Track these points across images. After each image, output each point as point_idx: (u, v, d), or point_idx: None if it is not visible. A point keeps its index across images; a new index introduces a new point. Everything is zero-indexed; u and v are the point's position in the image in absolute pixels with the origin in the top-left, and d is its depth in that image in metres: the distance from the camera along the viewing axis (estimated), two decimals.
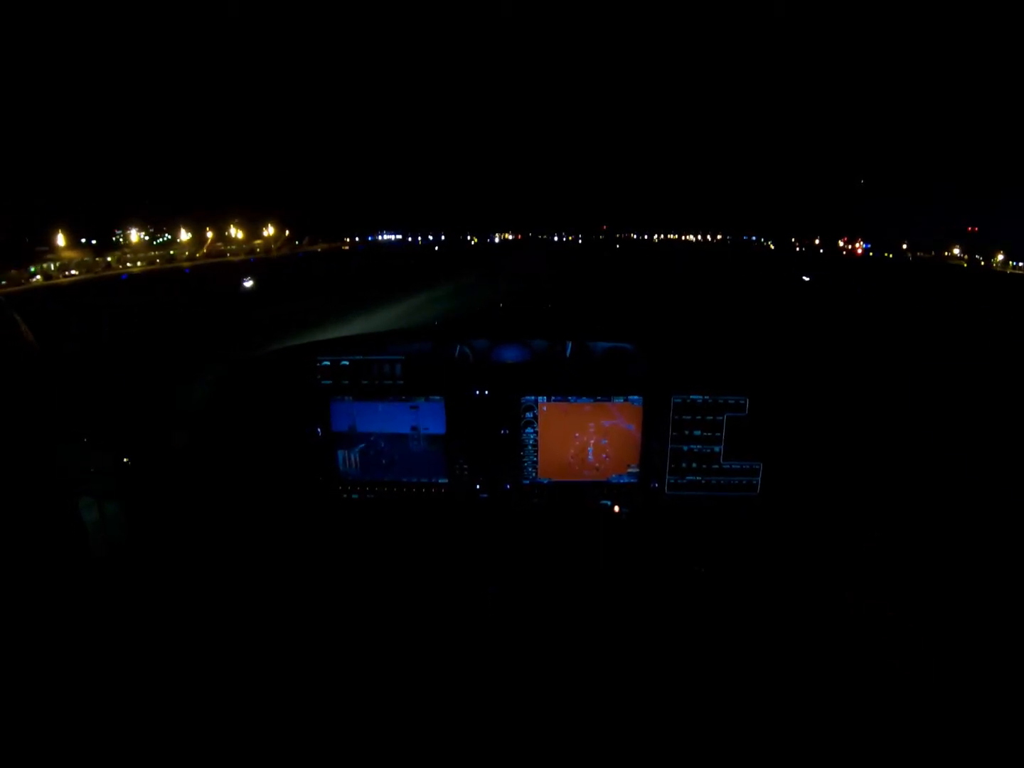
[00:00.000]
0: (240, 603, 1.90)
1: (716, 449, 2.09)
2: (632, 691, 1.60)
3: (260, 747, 1.49)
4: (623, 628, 1.80)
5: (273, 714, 1.55)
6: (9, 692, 1.32)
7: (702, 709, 1.55)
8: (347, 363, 2.13)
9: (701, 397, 2.06)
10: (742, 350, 2.13)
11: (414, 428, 2.14)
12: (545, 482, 2.17)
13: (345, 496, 2.20)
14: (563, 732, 1.51)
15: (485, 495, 2.18)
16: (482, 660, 1.70)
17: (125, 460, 1.99)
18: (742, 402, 2.05)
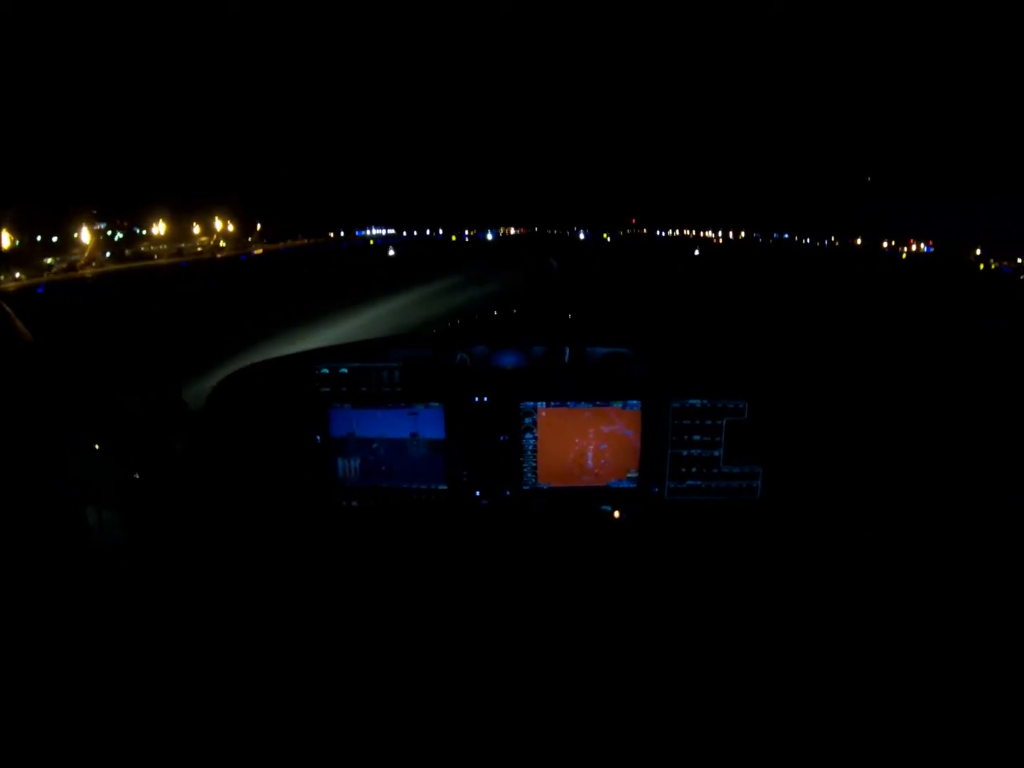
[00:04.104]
0: (239, 610, 2.00)
1: (716, 454, 2.18)
2: (632, 696, 1.68)
3: (258, 751, 1.57)
4: (623, 633, 1.89)
5: (271, 719, 1.63)
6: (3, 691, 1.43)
7: (702, 713, 1.63)
8: (345, 370, 2.26)
9: (700, 402, 2.15)
10: (741, 354, 2.23)
11: (413, 435, 2.26)
12: (545, 488, 2.27)
13: (345, 503, 2.32)
14: (563, 737, 1.58)
15: (485, 501, 2.29)
16: (481, 667, 1.79)
17: (136, 476, 2.12)
18: (741, 406, 2.14)
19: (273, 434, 2.30)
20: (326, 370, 2.26)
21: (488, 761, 1.56)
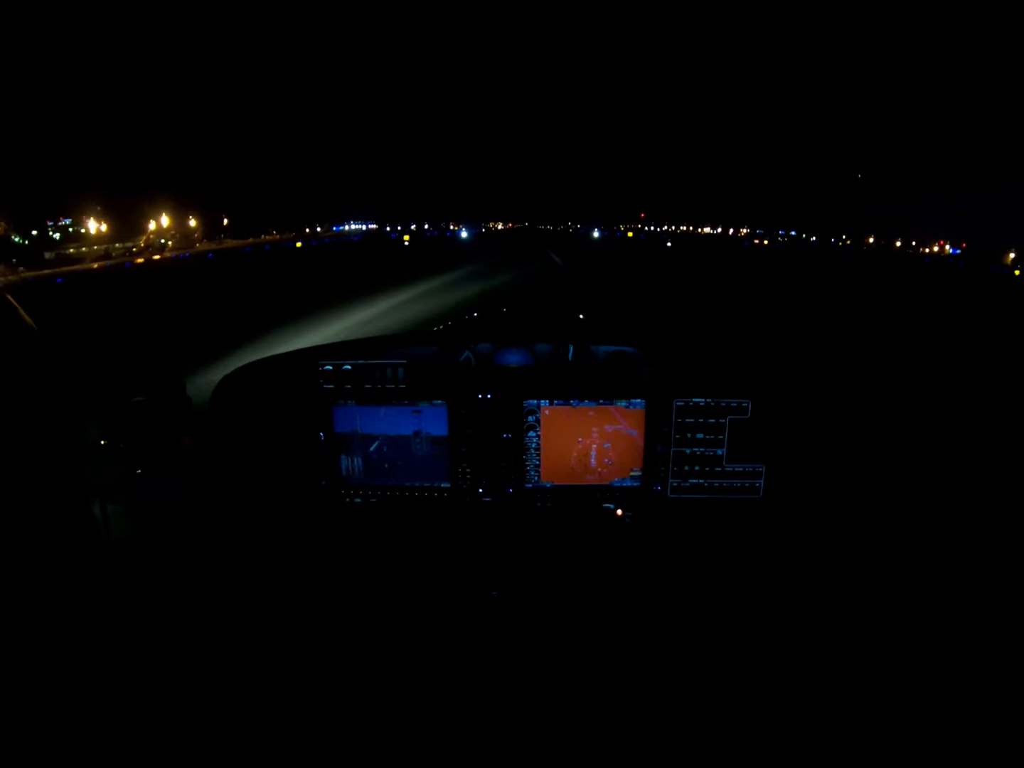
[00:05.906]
0: (243, 606, 2.03)
1: (719, 452, 2.23)
2: (636, 695, 1.71)
3: (260, 750, 1.60)
4: (627, 632, 1.93)
5: (274, 719, 1.66)
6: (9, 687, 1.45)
7: (706, 713, 1.67)
8: (349, 367, 2.28)
9: (704, 400, 2.19)
10: (744, 353, 2.26)
11: (417, 432, 2.29)
12: (548, 486, 2.30)
13: (348, 500, 2.35)
14: (565, 737, 1.62)
15: (488, 499, 2.32)
16: (484, 665, 1.82)
17: (138, 471, 2.13)
18: (745, 405, 2.18)
19: (276, 431, 2.32)
20: (330, 367, 2.28)
21: (492, 758, 1.59)
